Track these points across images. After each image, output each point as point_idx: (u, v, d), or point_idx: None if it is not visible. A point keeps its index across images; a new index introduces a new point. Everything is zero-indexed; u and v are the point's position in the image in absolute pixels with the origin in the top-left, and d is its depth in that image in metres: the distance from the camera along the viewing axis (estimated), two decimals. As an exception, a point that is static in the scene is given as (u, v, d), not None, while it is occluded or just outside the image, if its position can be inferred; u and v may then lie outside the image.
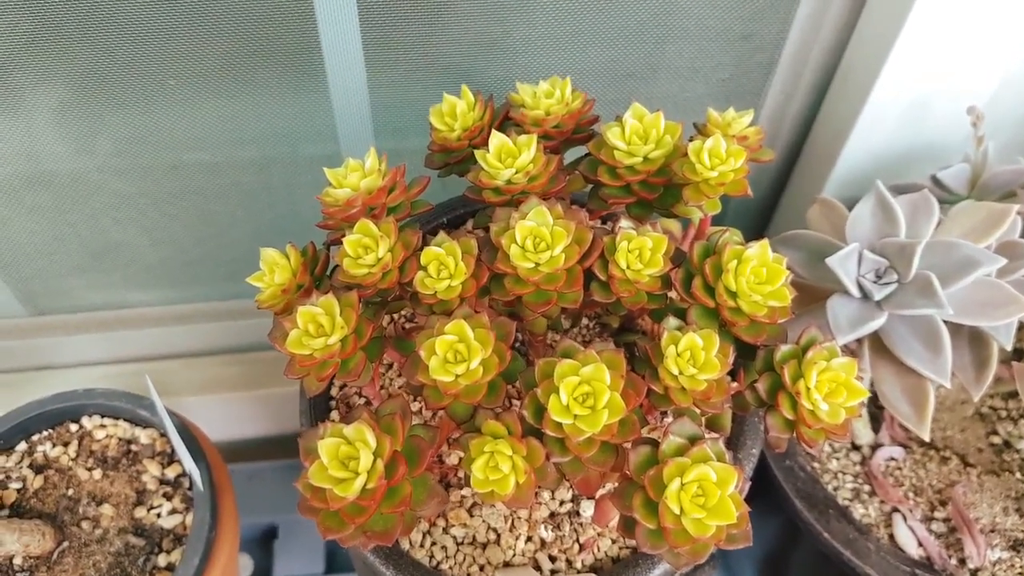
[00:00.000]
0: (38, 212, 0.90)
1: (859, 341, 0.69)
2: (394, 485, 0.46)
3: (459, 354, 0.49)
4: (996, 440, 0.82)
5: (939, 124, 0.86)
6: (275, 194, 0.94)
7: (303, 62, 0.79)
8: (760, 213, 1.05)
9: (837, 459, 0.80)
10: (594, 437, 0.47)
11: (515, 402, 0.65)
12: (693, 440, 0.47)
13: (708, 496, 0.45)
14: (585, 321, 0.71)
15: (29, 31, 0.72)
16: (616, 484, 0.49)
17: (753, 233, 0.97)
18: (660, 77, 0.87)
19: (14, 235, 0.91)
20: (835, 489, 0.78)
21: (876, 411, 0.82)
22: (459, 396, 0.49)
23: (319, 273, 0.58)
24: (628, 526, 0.47)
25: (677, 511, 0.45)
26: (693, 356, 0.49)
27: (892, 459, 0.80)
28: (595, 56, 0.84)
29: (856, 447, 0.81)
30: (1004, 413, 0.83)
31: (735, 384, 0.57)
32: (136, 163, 0.87)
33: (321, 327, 0.51)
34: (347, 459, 0.46)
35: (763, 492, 0.79)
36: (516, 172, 0.57)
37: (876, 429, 0.81)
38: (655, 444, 0.47)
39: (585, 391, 0.47)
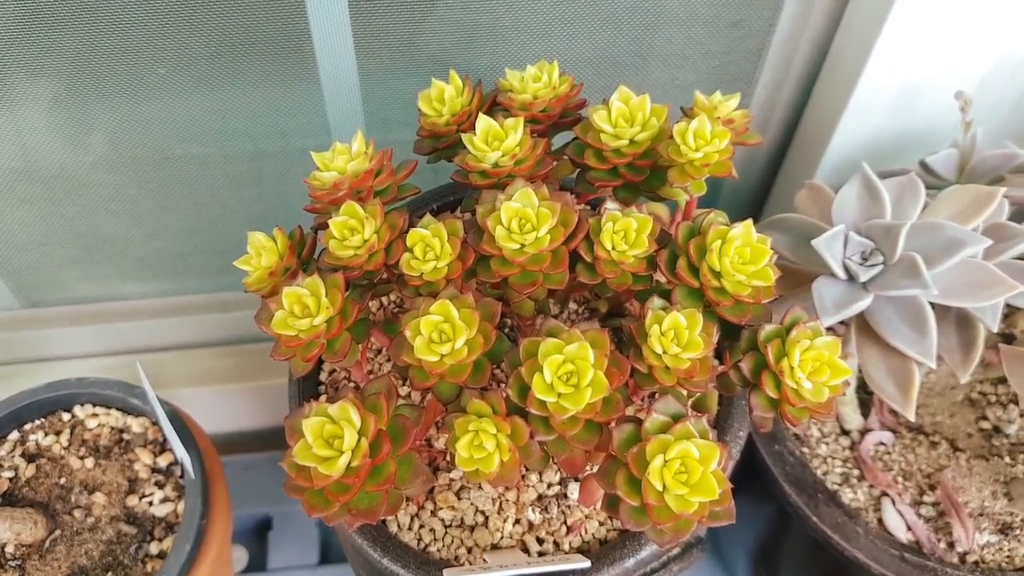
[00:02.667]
0: (30, 204, 0.90)
1: (846, 324, 0.70)
2: (378, 463, 0.46)
3: (444, 334, 0.49)
4: (985, 425, 0.82)
5: (928, 111, 0.86)
6: (267, 185, 0.94)
7: (294, 51, 0.79)
8: (752, 200, 1.05)
9: (826, 444, 0.80)
10: (578, 415, 0.47)
11: (503, 385, 0.65)
12: (676, 418, 0.47)
13: (691, 473, 0.45)
14: (573, 306, 0.71)
15: (19, 24, 0.72)
16: (600, 465, 0.49)
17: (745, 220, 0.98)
18: (650, 65, 0.87)
19: (6, 227, 0.92)
20: (824, 474, 0.78)
21: (866, 396, 0.82)
22: (444, 376, 0.50)
23: (306, 256, 0.59)
24: (612, 504, 0.47)
25: (660, 488, 0.45)
26: (677, 335, 0.49)
27: (881, 444, 0.80)
28: (584, 44, 0.84)
29: (845, 432, 0.81)
30: (993, 398, 0.83)
31: (721, 366, 0.57)
32: (127, 155, 0.87)
33: (307, 308, 0.51)
34: (331, 438, 0.46)
35: (754, 479, 0.79)
36: (503, 155, 0.57)
37: (866, 414, 0.81)
38: (639, 422, 0.48)
39: (569, 370, 0.47)
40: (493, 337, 0.50)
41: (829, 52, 0.85)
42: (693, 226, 0.54)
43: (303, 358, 0.52)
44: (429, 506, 0.62)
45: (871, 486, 0.77)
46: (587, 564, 0.57)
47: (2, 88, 0.77)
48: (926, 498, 0.77)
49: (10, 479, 0.77)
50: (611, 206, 0.55)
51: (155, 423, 0.82)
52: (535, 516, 0.61)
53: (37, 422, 0.82)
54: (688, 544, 0.63)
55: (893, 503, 0.76)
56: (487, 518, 0.61)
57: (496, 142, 0.57)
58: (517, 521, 0.61)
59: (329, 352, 0.52)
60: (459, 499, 0.62)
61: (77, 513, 0.76)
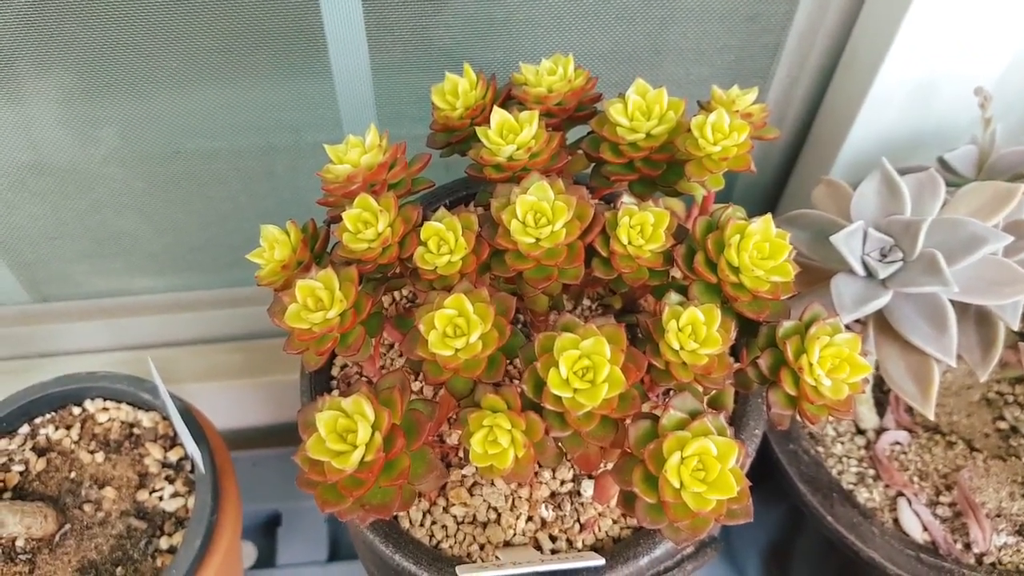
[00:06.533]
0: (42, 198, 0.90)
1: (864, 322, 0.69)
2: (392, 458, 0.46)
3: (459, 328, 0.49)
4: (1003, 425, 0.81)
5: (946, 106, 0.85)
6: (278, 180, 0.94)
7: (306, 45, 0.79)
8: (767, 196, 1.04)
9: (842, 443, 0.80)
10: (593, 411, 0.46)
11: (516, 381, 0.65)
12: (694, 415, 0.47)
13: (708, 470, 0.44)
14: (587, 302, 0.70)
15: (29, 18, 0.72)
16: (616, 462, 0.48)
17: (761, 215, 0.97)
18: (665, 60, 0.86)
19: (18, 221, 0.92)
20: (839, 473, 0.77)
21: (882, 396, 0.81)
22: (458, 371, 0.49)
23: (319, 250, 0.58)
24: (628, 501, 0.47)
25: (677, 485, 0.44)
26: (694, 331, 0.49)
27: (897, 443, 0.79)
28: (599, 38, 0.83)
29: (861, 431, 0.80)
30: (1011, 398, 0.83)
31: (738, 363, 0.57)
32: (139, 150, 0.87)
33: (320, 301, 0.50)
34: (345, 432, 0.45)
35: (767, 478, 0.78)
36: (517, 148, 0.56)
37: (881, 414, 0.81)
38: (655, 419, 0.47)
39: (585, 365, 0.47)
40: (508, 332, 0.50)
41: (846, 47, 0.84)
42: (711, 221, 0.53)
43: (316, 352, 0.51)
44: (441, 502, 0.61)
45: (887, 486, 0.77)
46: (601, 562, 0.56)
47: (13, 82, 0.77)
48: (942, 498, 0.76)
49: (21, 473, 0.77)
50: (627, 200, 0.54)
51: (166, 418, 0.81)
52: (548, 513, 0.60)
53: (48, 416, 0.82)
54: (702, 543, 0.62)
55: (909, 503, 0.75)
56: (500, 515, 0.61)
57: (511, 135, 0.56)
58: (530, 518, 0.61)
59: (342, 346, 0.52)
60: (472, 495, 0.61)
61: (87, 507, 0.76)
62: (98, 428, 0.81)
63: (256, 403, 1.09)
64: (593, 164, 0.61)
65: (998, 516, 0.74)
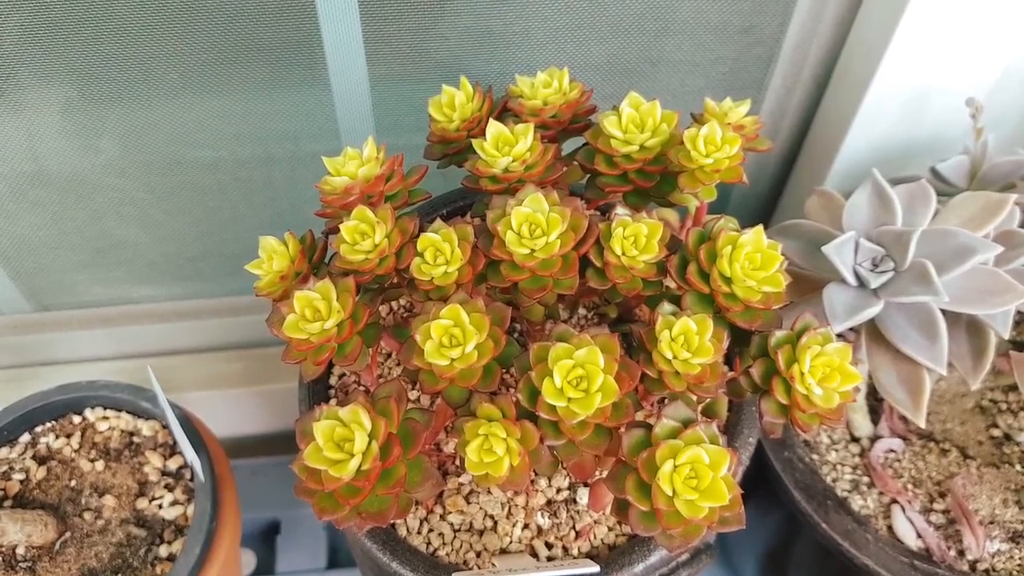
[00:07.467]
0: (42, 208, 0.91)
1: (856, 331, 0.70)
2: (389, 467, 0.46)
3: (454, 338, 0.49)
4: (996, 433, 0.82)
5: (939, 117, 0.86)
6: (277, 189, 0.95)
7: (305, 57, 0.80)
8: (762, 206, 1.05)
9: (836, 451, 0.80)
10: (587, 420, 0.47)
11: (512, 390, 0.65)
12: (686, 423, 0.47)
13: (701, 478, 0.45)
14: (583, 311, 0.71)
15: (30, 30, 0.73)
16: (610, 470, 0.49)
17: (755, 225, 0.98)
18: (659, 71, 0.87)
19: (19, 230, 0.92)
20: (834, 480, 0.78)
21: (875, 403, 0.82)
22: (454, 380, 0.50)
23: (317, 260, 0.59)
24: (622, 508, 0.47)
25: (670, 493, 0.45)
26: (687, 340, 0.50)
27: (891, 451, 0.80)
28: (595, 50, 0.84)
29: (855, 439, 0.81)
30: (1004, 406, 0.83)
31: (731, 372, 0.57)
32: (138, 160, 0.88)
33: (318, 312, 0.51)
34: (342, 441, 0.46)
35: (763, 486, 0.79)
36: (513, 160, 0.57)
37: (875, 421, 0.81)
38: (648, 427, 0.48)
39: (579, 374, 0.47)
40: (503, 342, 0.50)
41: (839, 58, 0.85)
42: (703, 232, 0.54)
43: (314, 361, 0.52)
44: (438, 510, 0.62)
45: (881, 493, 0.77)
46: (596, 569, 0.57)
47: (14, 93, 0.78)
48: (936, 505, 0.76)
49: (21, 481, 0.78)
50: (621, 211, 0.55)
51: (165, 426, 0.82)
52: (544, 521, 0.61)
53: (48, 424, 0.82)
54: (697, 550, 0.63)
55: (903, 510, 0.75)
56: (496, 523, 0.61)
57: (506, 147, 0.57)
58: (526, 526, 0.61)
59: (340, 356, 0.52)
60: (468, 503, 0.62)
61: (87, 515, 0.76)
62: (98, 437, 0.81)
63: (255, 411, 1.09)
64: (588, 175, 0.62)
65: (991, 523, 0.75)
